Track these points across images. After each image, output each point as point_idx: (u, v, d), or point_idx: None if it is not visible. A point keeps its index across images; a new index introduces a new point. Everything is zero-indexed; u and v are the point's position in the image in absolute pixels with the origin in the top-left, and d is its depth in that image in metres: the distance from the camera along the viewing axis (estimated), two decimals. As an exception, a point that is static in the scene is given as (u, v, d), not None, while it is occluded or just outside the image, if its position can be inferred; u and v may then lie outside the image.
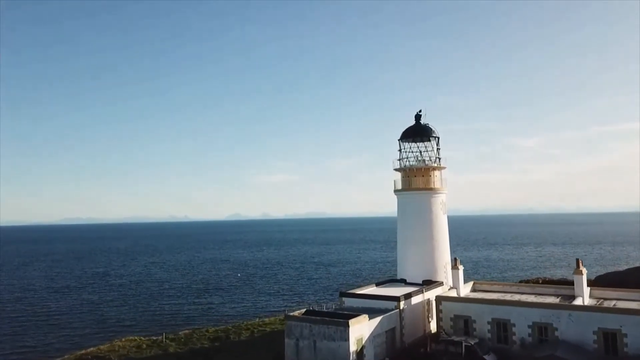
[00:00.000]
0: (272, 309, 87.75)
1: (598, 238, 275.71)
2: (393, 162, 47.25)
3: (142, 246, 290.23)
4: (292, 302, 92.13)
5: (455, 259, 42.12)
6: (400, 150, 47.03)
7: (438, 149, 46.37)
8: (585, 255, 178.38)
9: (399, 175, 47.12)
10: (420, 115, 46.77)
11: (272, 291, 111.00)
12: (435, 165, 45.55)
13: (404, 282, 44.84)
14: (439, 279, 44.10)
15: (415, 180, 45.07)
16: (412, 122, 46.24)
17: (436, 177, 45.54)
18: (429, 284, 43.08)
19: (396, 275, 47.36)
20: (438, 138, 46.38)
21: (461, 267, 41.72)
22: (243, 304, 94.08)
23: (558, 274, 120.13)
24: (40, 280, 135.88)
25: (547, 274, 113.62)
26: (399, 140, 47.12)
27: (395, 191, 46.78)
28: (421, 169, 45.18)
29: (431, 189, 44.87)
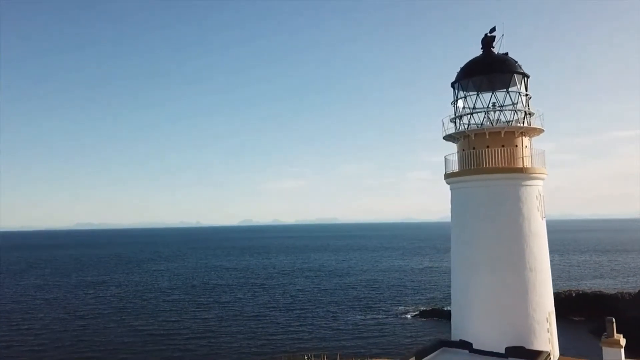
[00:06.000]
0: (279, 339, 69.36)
1: (628, 246, 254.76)
2: (443, 125, 25.73)
3: (149, 253, 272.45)
4: (305, 333, 73.22)
5: (612, 322, 20.21)
6: (455, 101, 25.44)
7: (528, 98, 24.75)
8: (618, 264, 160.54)
9: (451, 148, 25.73)
10: (494, 38, 25.10)
11: (281, 307, 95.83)
12: (526, 126, 24.03)
13: (468, 349, 23.26)
14: (540, 343, 22.43)
15: (490, 154, 23.52)
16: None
17: (527, 150, 24.07)
18: (520, 355, 21.66)
19: (448, 332, 25.80)
20: (527, 77, 24.53)
21: (623, 341, 19.91)
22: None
23: (588, 285, 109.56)
24: (29, 290, 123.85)
25: (577, 286, 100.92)
26: (453, 84, 25.30)
27: (448, 176, 25.27)
28: (500, 133, 23.57)
29: (520, 170, 23.34)
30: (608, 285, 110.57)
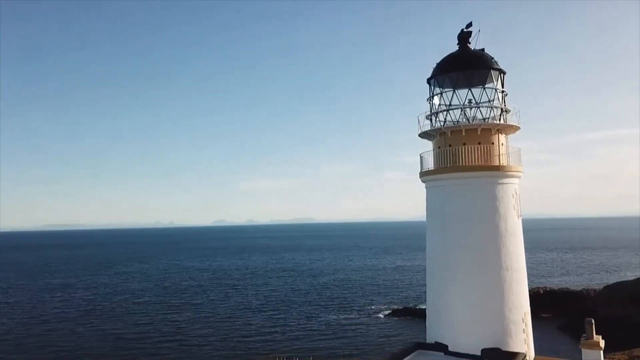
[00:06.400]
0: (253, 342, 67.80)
1: (594, 243, 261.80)
2: (419, 122, 25.01)
3: (120, 254, 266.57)
4: (279, 332, 71.84)
5: (591, 324, 19.66)
6: (431, 98, 24.78)
7: (504, 95, 24.24)
8: (584, 262, 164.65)
9: (426, 146, 25.04)
10: (470, 33, 24.50)
11: (254, 308, 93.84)
12: (502, 122, 23.48)
13: (444, 351, 22.57)
14: (516, 344, 21.92)
15: (466, 152, 22.90)
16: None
17: (503, 147, 23.50)
18: (496, 357, 21.08)
19: (423, 334, 25.14)
20: (503, 74, 24.02)
21: (602, 342, 19.41)
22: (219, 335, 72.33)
23: (556, 282, 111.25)
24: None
25: (545, 283, 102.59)
26: (429, 80, 24.59)
27: (424, 175, 24.58)
28: (476, 130, 23.00)
29: (497, 168, 22.82)
30: (574, 282, 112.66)
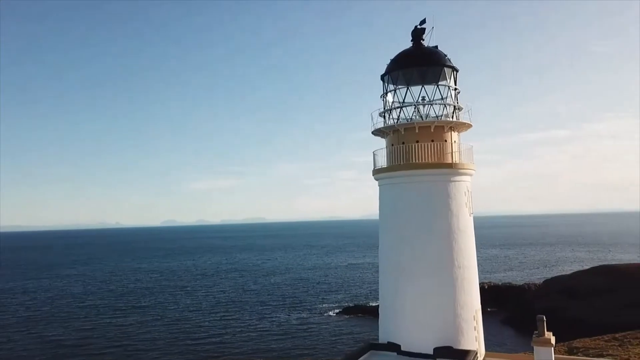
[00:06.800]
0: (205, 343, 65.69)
1: (534, 240, 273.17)
2: (372, 119, 24.55)
3: (63, 256, 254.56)
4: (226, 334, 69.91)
5: (542, 320, 19.63)
6: (385, 94, 24.45)
7: (457, 93, 24.20)
8: (526, 258, 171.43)
9: (380, 143, 24.65)
10: (424, 30, 24.26)
11: (204, 310, 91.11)
12: (455, 120, 23.40)
13: (396, 351, 22.18)
14: (467, 342, 21.85)
15: (419, 149, 22.60)
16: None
17: (456, 145, 23.42)
18: (448, 355, 20.91)
19: (375, 332, 24.76)
20: (456, 72, 23.74)
21: (553, 338, 19.43)
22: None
23: (499, 277, 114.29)
24: None
25: (490, 279, 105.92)
26: (383, 77, 24.05)
27: (377, 172, 24.10)
28: (429, 127, 22.77)
29: (450, 165, 22.68)
30: (516, 277, 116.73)
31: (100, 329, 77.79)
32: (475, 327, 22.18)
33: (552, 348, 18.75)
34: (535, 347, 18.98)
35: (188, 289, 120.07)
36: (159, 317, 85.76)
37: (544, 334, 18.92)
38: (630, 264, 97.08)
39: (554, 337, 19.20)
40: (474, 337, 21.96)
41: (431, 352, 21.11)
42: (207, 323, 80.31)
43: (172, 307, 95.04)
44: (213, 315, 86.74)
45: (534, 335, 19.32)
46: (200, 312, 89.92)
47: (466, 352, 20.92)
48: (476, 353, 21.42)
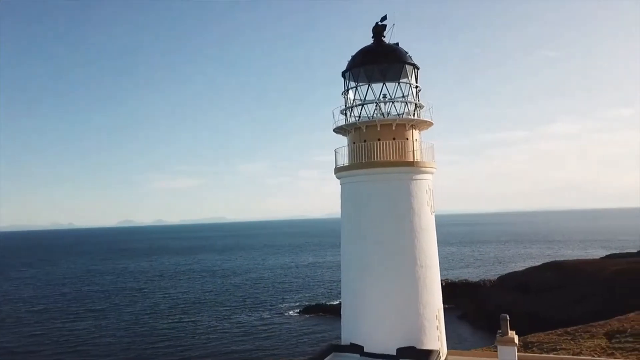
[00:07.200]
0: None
1: (489, 237, 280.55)
2: (333, 117, 23.96)
3: (12, 258, 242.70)
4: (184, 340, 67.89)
5: (506, 320, 19.47)
6: (346, 92, 23.92)
7: (418, 90, 23.94)
8: (482, 255, 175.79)
9: (342, 142, 24.09)
10: (385, 27, 23.93)
11: (162, 312, 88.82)
12: (417, 118, 23.13)
13: (359, 352, 21.70)
14: (430, 342, 21.60)
15: (381, 147, 22.22)
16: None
17: (417, 143, 23.16)
18: (411, 356, 20.60)
19: (335, 331, 24.22)
20: (417, 69, 23.37)
21: (516, 337, 19.31)
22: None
23: (456, 274, 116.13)
24: None
25: (447, 275, 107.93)
26: (344, 73, 23.41)
27: (338, 171, 23.47)
28: (391, 125, 22.38)
29: (411, 163, 22.38)
30: (472, 274, 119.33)
31: (52, 334, 74.46)
32: (437, 327, 21.96)
33: (516, 347, 18.71)
34: (499, 347, 18.88)
35: (145, 290, 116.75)
36: (115, 321, 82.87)
37: (507, 333, 18.85)
38: (578, 259, 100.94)
39: (517, 336, 19.17)
40: (436, 337, 21.74)
41: (394, 353, 20.75)
42: (165, 326, 78.12)
43: (128, 310, 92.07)
44: (171, 317, 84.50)
45: (497, 335, 19.23)
46: (158, 314, 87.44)
47: (429, 352, 20.68)
48: (439, 352, 21.22)
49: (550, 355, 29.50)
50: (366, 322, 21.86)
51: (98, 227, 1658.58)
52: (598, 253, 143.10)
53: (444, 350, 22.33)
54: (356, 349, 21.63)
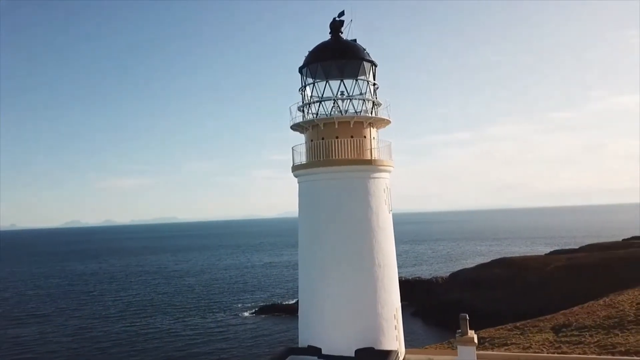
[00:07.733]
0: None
1: (441, 235, 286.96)
2: (290, 113, 23.33)
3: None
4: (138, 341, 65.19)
5: (465, 319, 19.29)
6: (303, 88, 23.31)
7: (376, 88, 23.61)
8: (434, 252, 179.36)
9: (299, 139, 23.51)
10: (343, 22, 23.43)
11: (113, 316, 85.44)
12: (375, 116, 22.79)
13: (317, 354, 21.11)
14: (388, 342, 21.30)
15: (339, 145, 21.74)
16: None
17: (375, 141, 22.84)
18: (370, 357, 20.23)
19: (291, 332, 23.59)
20: (375, 66, 23.16)
21: (475, 337, 19.15)
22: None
23: (409, 272, 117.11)
24: None
25: (401, 273, 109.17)
26: (301, 69, 22.86)
27: (296, 169, 22.88)
28: (349, 123, 21.93)
29: (369, 162, 22.01)
30: (425, 271, 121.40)
31: None
32: (395, 326, 21.74)
33: (475, 347, 18.67)
34: (459, 347, 18.80)
35: (94, 293, 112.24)
36: (61, 326, 79.04)
37: (467, 333, 18.79)
38: (525, 256, 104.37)
39: (476, 336, 19.16)
40: (394, 337, 21.52)
41: (353, 354, 20.35)
42: (115, 330, 75.14)
43: (76, 315, 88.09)
44: (122, 321, 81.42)
45: (457, 334, 19.15)
46: (108, 318, 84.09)
47: (387, 353, 20.39)
48: (397, 353, 20.98)
49: (506, 352, 29.93)
50: (324, 323, 21.37)
51: (42, 228, 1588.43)
52: (543, 250, 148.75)
53: (402, 350, 22.14)
54: (314, 351, 21.10)
